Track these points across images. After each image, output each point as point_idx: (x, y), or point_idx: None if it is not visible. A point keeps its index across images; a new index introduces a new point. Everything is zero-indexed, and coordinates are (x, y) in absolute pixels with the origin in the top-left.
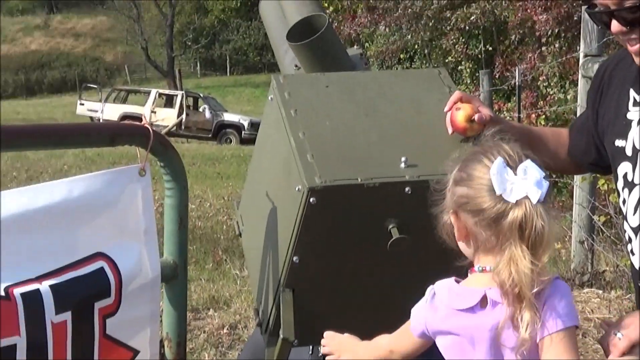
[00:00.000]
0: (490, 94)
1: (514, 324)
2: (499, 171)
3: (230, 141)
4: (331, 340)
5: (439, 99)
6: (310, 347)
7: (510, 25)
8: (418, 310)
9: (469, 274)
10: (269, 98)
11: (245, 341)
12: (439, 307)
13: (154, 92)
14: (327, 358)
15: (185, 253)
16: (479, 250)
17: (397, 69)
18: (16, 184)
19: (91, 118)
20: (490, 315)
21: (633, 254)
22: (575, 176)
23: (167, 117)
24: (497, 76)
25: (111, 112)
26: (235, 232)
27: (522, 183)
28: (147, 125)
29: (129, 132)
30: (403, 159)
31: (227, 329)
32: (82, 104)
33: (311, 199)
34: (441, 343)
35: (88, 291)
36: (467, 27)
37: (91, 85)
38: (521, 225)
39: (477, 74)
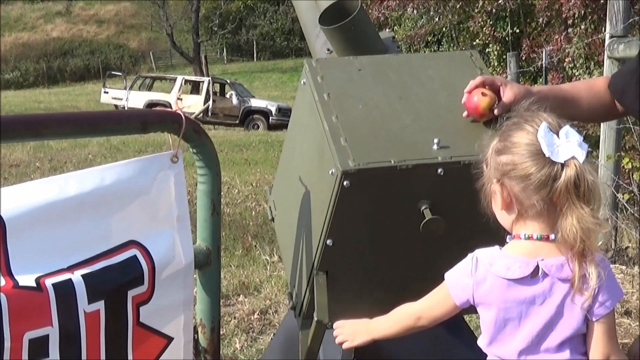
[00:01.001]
0: (517, 76)
1: (580, 284)
2: (545, 134)
3: (258, 127)
4: (342, 328)
5: (470, 81)
6: None
7: (538, 7)
8: (460, 278)
9: (509, 241)
10: (302, 82)
11: (277, 326)
12: (486, 276)
13: (180, 78)
14: (343, 346)
15: (218, 239)
16: (523, 218)
17: (424, 52)
18: (40, 174)
19: (115, 106)
20: (541, 287)
21: None
22: (599, 156)
23: (193, 104)
24: (523, 58)
25: (136, 99)
26: (265, 218)
27: (567, 145)
28: (179, 112)
29: (161, 118)
30: (435, 140)
31: (258, 314)
32: (107, 92)
33: (345, 182)
34: (484, 314)
35: (121, 279)
36: (494, 10)
37: (115, 73)
38: (576, 183)
39: (504, 57)
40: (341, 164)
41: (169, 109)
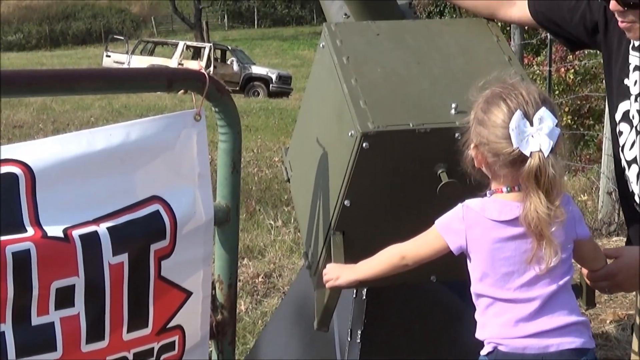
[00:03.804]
0: (521, 48)
1: (539, 254)
2: (517, 125)
3: (258, 94)
4: (330, 270)
5: (487, 47)
6: (355, 289)
7: None
8: (452, 223)
9: (489, 195)
10: (320, 45)
11: (281, 289)
12: (478, 221)
13: (181, 44)
14: (327, 285)
15: (237, 197)
16: (498, 180)
17: None
18: (43, 135)
19: None
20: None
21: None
22: (604, 128)
23: (196, 66)
24: (527, 30)
25: (138, 64)
26: (268, 183)
27: (537, 135)
28: (203, 71)
29: (185, 77)
30: (453, 105)
31: (262, 277)
32: (109, 56)
33: (364, 144)
34: (475, 256)
35: (144, 233)
36: None
37: (117, 37)
38: (536, 175)
39: (508, 28)
40: (361, 126)
41: (193, 68)
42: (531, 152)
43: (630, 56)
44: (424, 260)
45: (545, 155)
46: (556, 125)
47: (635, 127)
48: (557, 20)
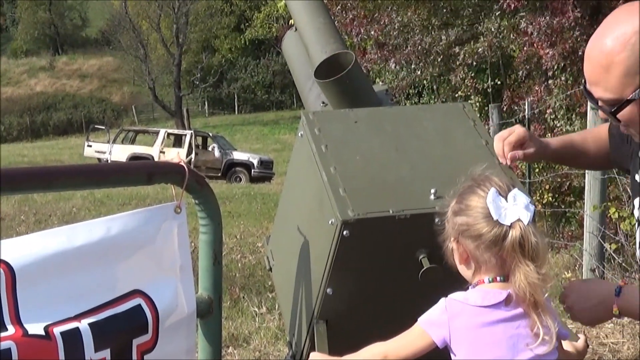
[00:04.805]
0: (499, 127)
1: (535, 329)
2: (493, 199)
3: (240, 180)
4: None
5: (464, 131)
6: None
7: (517, 61)
8: (435, 316)
9: (471, 289)
10: (299, 134)
11: None
12: (462, 310)
13: (162, 132)
14: None
15: (220, 289)
16: (479, 271)
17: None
18: (25, 227)
19: (99, 160)
20: (515, 311)
21: None
22: (585, 206)
23: (176, 157)
24: (505, 109)
25: (120, 153)
26: (251, 270)
27: (514, 208)
28: (182, 164)
29: (165, 170)
30: (432, 190)
31: None
32: (90, 146)
33: (344, 232)
34: (459, 346)
35: (126, 328)
36: (474, 63)
37: (98, 127)
38: (520, 243)
39: (486, 108)
40: (341, 214)
41: (173, 161)
42: (511, 223)
43: None
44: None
45: (526, 224)
46: (530, 203)
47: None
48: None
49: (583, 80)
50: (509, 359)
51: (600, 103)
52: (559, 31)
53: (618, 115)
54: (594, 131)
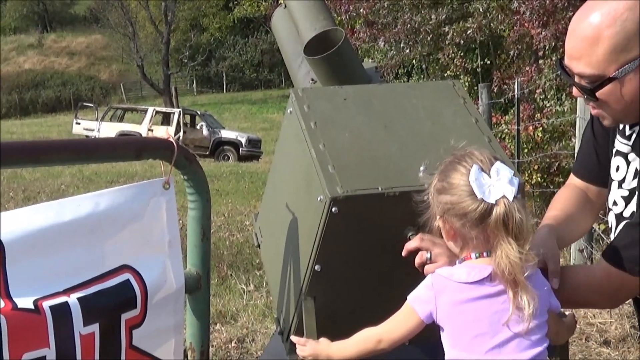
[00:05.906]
0: (489, 107)
1: (518, 305)
2: (476, 177)
3: (228, 158)
4: (303, 347)
5: (454, 109)
6: None
7: (509, 41)
8: (422, 293)
9: (459, 264)
10: (288, 111)
11: (254, 354)
12: (446, 285)
13: (151, 110)
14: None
15: (208, 264)
16: (467, 247)
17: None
18: (14, 204)
19: (87, 137)
20: (499, 287)
21: None
22: None
23: (164, 135)
24: (494, 89)
25: (108, 130)
26: (239, 248)
27: (498, 184)
28: (171, 140)
29: (154, 146)
30: (421, 167)
31: (235, 342)
32: (79, 123)
33: (333, 209)
34: (447, 322)
35: (115, 303)
36: (462, 42)
37: (87, 104)
38: (504, 221)
39: (475, 88)
40: (329, 191)
41: (162, 137)
42: (496, 200)
43: (616, 140)
44: (402, 341)
45: (511, 200)
46: (514, 176)
47: (611, 210)
48: (599, 171)
49: (560, 56)
50: (494, 333)
51: (577, 79)
52: (552, 11)
53: (597, 93)
54: (565, 192)
